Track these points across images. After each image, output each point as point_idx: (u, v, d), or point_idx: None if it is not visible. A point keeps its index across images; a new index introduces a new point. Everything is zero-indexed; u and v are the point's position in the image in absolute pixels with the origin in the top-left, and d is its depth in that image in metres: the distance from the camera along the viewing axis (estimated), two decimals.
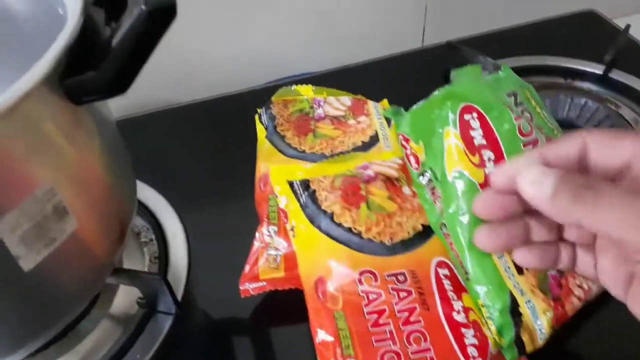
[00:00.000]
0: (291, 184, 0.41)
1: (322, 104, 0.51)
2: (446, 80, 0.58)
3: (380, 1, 0.73)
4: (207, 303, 0.44)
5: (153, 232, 0.48)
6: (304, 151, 0.47)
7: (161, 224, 0.49)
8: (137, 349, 0.40)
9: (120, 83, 0.30)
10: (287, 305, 0.41)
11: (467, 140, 0.35)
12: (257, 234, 0.41)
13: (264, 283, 0.40)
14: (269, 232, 0.41)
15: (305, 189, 0.41)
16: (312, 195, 0.40)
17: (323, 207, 0.39)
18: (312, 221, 0.39)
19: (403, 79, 0.64)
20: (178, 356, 0.40)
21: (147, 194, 0.51)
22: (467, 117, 0.35)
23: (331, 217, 0.39)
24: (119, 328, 0.42)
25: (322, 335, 0.35)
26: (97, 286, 0.36)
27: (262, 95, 0.54)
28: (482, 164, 0.35)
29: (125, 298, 0.43)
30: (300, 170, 0.42)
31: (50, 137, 0.29)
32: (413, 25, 0.78)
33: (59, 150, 0.29)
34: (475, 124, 0.35)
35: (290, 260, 0.40)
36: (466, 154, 0.35)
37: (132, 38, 0.28)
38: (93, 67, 0.29)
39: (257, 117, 0.52)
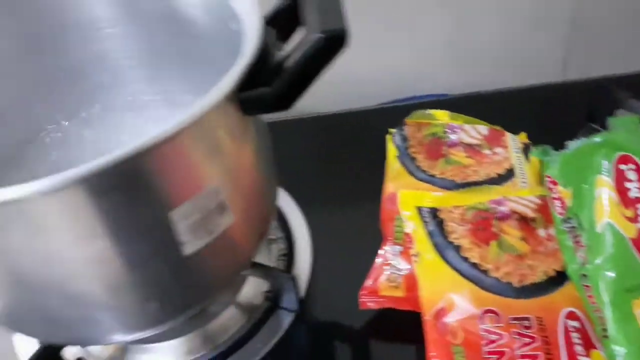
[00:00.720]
0: (419, 210, 0.42)
1: (457, 130, 0.52)
2: (590, 119, 0.56)
3: (519, 27, 0.71)
4: (325, 307, 0.46)
5: (281, 231, 0.51)
6: (434, 176, 0.48)
7: (289, 225, 0.52)
8: (258, 339, 0.43)
9: (287, 100, 0.33)
10: (402, 325, 0.42)
11: (622, 191, 0.34)
12: (381, 251, 0.43)
13: (383, 299, 0.42)
14: (393, 251, 0.43)
15: (433, 217, 0.41)
16: (440, 225, 0.41)
17: (450, 239, 0.40)
18: (438, 251, 0.39)
19: (540, 113, 0.62)
20: (294, 353, 0.43)
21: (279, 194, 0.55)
22: (623, 167, 0.34)
23: (457, 249, 0.39)
24: (243, 316, 0.45)
25: None
26: (237, 276, 0.40)
27: (391, 113, 0.56)
28: (636, 219, 0.33)
29: (252, 289, 0.47)
30: (430, 197, 0.43)
31: (222, 143, 0.32)
32: (552, 55, 0.75)
33: (227, 154, 0.33)
34: (633, 175, 0.34)
35: (410, 282, 0.41)
36: (619, 206, 0.34)
37: (305, 60, 0.31)
38: (266, 83, 0.32)
39: (389, 137, 0.53)
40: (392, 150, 0.52)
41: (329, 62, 0.31)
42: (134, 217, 0.30)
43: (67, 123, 0.45)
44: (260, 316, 0.45)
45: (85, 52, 0.41)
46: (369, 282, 0.42)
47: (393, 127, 0.54)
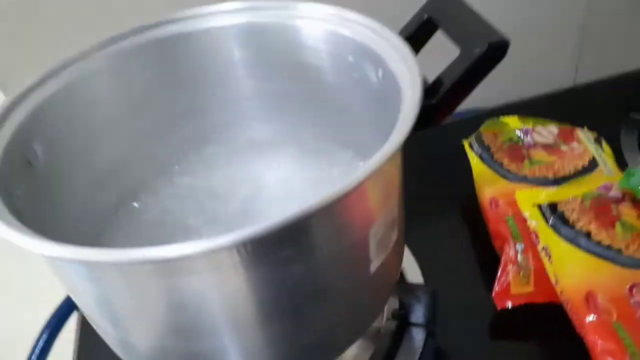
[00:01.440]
0: (539, 207, 0.44)
1: (530, 132, 0.55)
2: (630, 110, 0.61)
3: (532, 37, 0.76)
4: (449, 319, 0.47)
5: None
6: (525, 176, 0.51)
7: None
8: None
9: (444, 115, 0.35)
10: (537, 319, 0.44)
11: None
12: (507, 252, 0.45)
13: (518, 297, 0.43)
14: (515, 249, 0.45)
15: (553, 212, 0.44)
16: (562, 217, 0.43)
17: (577, 228, 0.42)
18: (570, 241, 0.42)
19: (573, 114, 0.66)
20: None
21: None
22: None
23: (588, 236, 0.42)
24: (371, 344, 0.44)
25: (604, 346, 0.37)
26: (391, 292, 0.40)
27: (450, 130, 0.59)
28: None
29: None
30: (545, 194, 0.45)
31: (397, 170, 0.34)
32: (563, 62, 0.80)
33: (399, 180, 0.34)
34: None
35: (539, 276, 0.43)
36: None
37: (467, 74, 0.33)
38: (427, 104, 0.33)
39: (467, 144, 0.56)
40: (472, 157, 0.55)
41: (488, 73, 0.33)
42: (333, 240, 0.30)
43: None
44: (389, 342, 0.44)
45: (214, 93, 0.41)
46: (500, 283, 0.44)
47: (455, 143, 0.57)
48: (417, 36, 0.39)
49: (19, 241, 0.26)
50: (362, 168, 0.27)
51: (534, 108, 0.67)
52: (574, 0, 0.74)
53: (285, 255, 0.27)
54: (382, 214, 0.32)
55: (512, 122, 0.57)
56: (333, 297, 0.31)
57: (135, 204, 0.44)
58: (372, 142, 0.42)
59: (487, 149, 0.54)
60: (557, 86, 0.73)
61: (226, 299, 0.29)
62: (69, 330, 0.57)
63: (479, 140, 0.56)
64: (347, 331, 0.35)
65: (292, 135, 0.44)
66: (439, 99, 0.34)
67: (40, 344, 0.55)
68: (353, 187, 0.26)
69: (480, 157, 0.54)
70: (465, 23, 0.35)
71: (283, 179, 0.44)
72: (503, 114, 0.58)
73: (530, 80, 0.75)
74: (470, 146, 0.56)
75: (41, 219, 0.32)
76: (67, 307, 0.57)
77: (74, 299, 0.34)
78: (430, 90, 0.34)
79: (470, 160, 0.55)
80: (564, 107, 0.68)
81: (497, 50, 0.32)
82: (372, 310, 0.37)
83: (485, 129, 0.57)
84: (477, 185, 0.53)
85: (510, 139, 0.55)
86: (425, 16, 0.38)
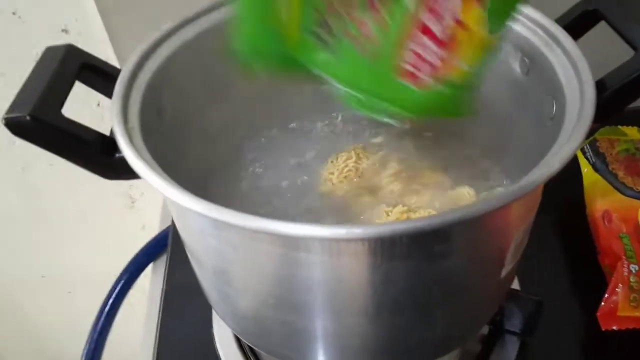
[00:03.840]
0: None
1: None
2: None
3: None
4: (545, 329, 0.45)
5: None
6: None
7: None
8: None
9: (606, 117, 0.32)
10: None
11: None
12: (619, 271, 0.42)
13: (625, 319, 0.41)
14: (629, 269, 0.42)
15: None
16: None
17: None
18: None
19: None
20: None
21: None
22: None
23: None
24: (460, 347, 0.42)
25: None
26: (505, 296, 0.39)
27: None
28: None
29: None
30: None
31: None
32: None
33: None
34: None
35: None
36: None
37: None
38: None
39: (579, 150, 0.53)
40: (584, 164, 0.51)
41: None
42: (484, 242, 0.28)
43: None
44: (480, 347, 0.42)
45: None
46: (607, 302, 0.42)
47: None
48: (574, 27, 0.35)
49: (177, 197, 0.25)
50: (536, 173, 0.25)
51: None
52: None
53: (437, 251, 0.26)
54: (528, 219, 0.30)
55: (631, 132, 0.53)
56: (463, 296, 0.30)
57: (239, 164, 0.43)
58: (499, 137, 0.40)
59: (602, 157, 0.51)
60: None
61: (359, 285, 0.27)
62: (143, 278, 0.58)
63: (594, 148, 0.52)
64: (463, 330, 0.34)
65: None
66: (601, 102, 0.31)
67: (118, 287, 0.56)
68: (529, 190, 0.24)
69: (594, 165, 0.51)
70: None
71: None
72: (623, 123, 0.54)
73: None
74: (583, 152, 0.53)
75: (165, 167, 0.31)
76: (147, 256, 0.58)
77: (189, 247, 0.33)
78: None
79: (582, 167, 0.52)
80: None
81: None
82: (488, 311, 0.36)
83: (601, 135, 0.53)
84: (587, 195, 0.50)
85: (627, 150, 0.51)
86: (590, 7, 0.35)
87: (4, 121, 0.28)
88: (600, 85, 0.31)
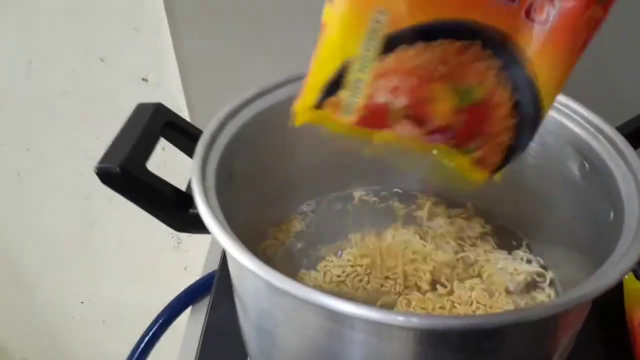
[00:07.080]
0: None
1: None
2: None
3: None
4: None
5: None
6: None
7: None
8: None
9: None
10: None
11: None
12: None
13: None
14: None
15: None
16: None
17: None
18: None
19: None
20: None
21: None
22: None
23: None
24: None
25: None
26: None
27: None
28: None
29: None
30: None
31: None
32: None
33: None
34: None
35: None
36: None
37: None
38: None
39: None
40: None
41: None
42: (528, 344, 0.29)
43: None
44: None
45: None
46: None
47: None
48: (635, 137, 0.36)
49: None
50: (595, 283, 0.25)
51: None
52: None
53: (485, 348, 0.26)
54: (577, 324, 0.30)
55: None
56: None
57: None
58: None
59: None
60: None
61: None
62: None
63: None
64: None
65: None
66: None
67: (155, 327, 0.57)
68: (586, 300, 0.25)
69: (635, 272, 0.50)
70: None
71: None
72: None
73: None
74: None
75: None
76: (188, 298, 0.59)
77: (240, 302, 0.34)
78: None
79: None
80: None
81: None
82: None
83: None
84: (627, 302, 0.49)
85: None
86: None
87: (96, 170, 0.31)
88: None
